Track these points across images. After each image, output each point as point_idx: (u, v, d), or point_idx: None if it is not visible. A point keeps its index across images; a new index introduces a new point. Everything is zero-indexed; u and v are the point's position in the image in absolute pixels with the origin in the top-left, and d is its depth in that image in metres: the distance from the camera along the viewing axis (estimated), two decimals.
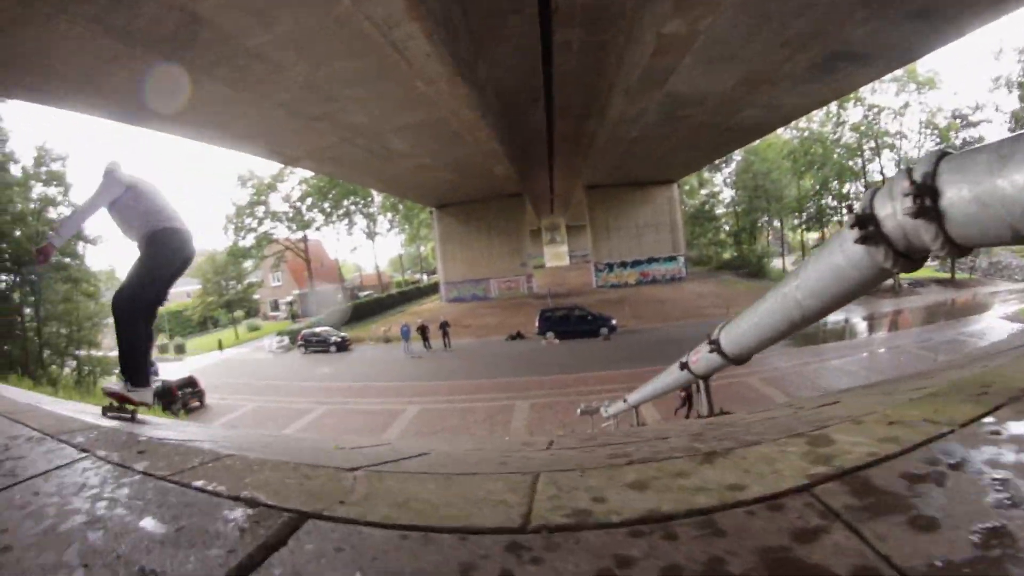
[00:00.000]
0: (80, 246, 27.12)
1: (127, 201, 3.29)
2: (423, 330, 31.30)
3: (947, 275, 41.47)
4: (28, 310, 24.63)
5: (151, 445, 1.96)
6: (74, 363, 26.42)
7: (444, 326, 31.35)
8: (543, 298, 43.68)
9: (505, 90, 24.71)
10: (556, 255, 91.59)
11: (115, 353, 3.77)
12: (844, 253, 1.69)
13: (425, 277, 77.36)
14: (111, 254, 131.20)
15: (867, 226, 1.51)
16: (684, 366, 4.10)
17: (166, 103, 17.27)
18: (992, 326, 22.55)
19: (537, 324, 31.11)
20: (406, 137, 24.80)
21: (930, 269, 43.31)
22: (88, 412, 2.95)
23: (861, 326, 29.74)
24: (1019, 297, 32.68)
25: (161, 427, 3.01)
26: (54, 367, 25.36)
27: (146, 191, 3.38)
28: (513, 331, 32.53)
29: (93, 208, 3.30)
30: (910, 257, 1.48)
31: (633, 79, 19.97)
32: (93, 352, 27.80)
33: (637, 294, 42.49)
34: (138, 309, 3.19)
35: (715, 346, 3.14)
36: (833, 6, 15.90)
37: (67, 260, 26.08)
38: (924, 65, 38.36)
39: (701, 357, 3.65)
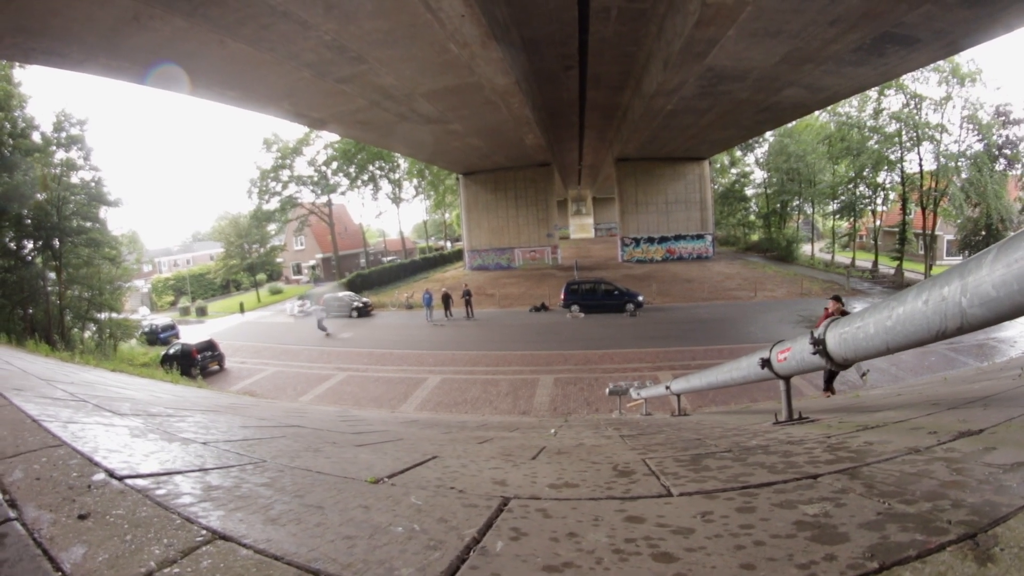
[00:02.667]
0: (102, 210, 27.15)
1: None
2: (446, 299, 31.01)
3: None
4: (51, 275, 24.73)
5: (105, 496, 1.54)
6: (95, 327, 26.66)
7: (467, 295, 31.05)
8: (568, 270, 43.27)
9: (539, 57, 24.03)
10: (581, 227, 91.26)
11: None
12: None
13: (449, 244, 77.25)
14: (132, 217, 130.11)
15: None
16: (766, 363, 3.73)
17: (187, 65, 17.02)
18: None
19: (562, 296, 30.61)
20: (436, 102, 24.29)
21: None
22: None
23: None
24: None
25: (144, 436, 2.62)
26: (75, 331, 25.56)
27: None
28: (537, 302, 32.16)
29: None
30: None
31: (674, 50, 19.23)
32: (113, 315, 27.93)
33: (663, 271, 41.93)
34: None
35: (820, 347, 2.82)
36: None
37: (88, 224, 26.18)
38: (965, 57, 36.73)
39: (793, 356, 3.29)
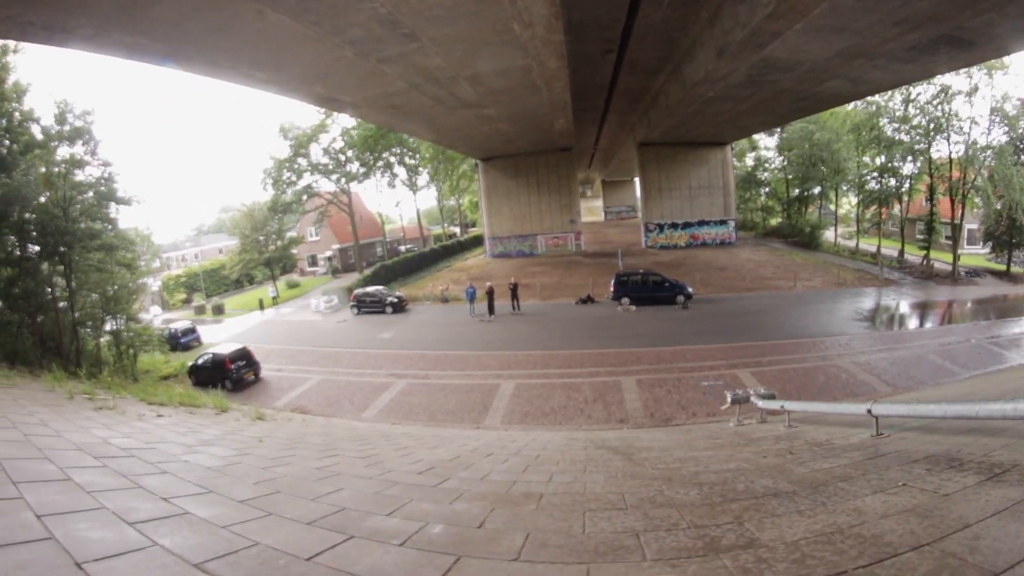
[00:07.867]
0: (112, 208, 24.44)
1: None
2: (490, 294, 29.17)
3: (1002, 267, 39.82)
4: (59, 280, 22.27)
5: None
6: (111, 337, 23.95)
7: (514, 287, 29.77)
8: (593, 256, 42.70)
9: (582, 40, 23.26)
10: (589, 210, 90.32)
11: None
12: None
13: (459, 230, 75.93)
14: (138, 211, 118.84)
15: None
16: None
17: (214, 42, 15.44)
18: None
19: (612, 288, 29.58)
20: (478, 85, 23.19)
21: (981, 258, 42.09)
22: None
23: (931, 314, 28.09)
24: None
25: None
26: (91, 342, 23.46)
27: None
28: (582, 294, 31.23)
29: None
30: None
31: (733, 39, 18.82)
32: (132, 324, 25.12)
33: (691, 257, 41.16)
34: None
35: None
36: None
37: (98, 226, 23.67)
38: None
39: None
